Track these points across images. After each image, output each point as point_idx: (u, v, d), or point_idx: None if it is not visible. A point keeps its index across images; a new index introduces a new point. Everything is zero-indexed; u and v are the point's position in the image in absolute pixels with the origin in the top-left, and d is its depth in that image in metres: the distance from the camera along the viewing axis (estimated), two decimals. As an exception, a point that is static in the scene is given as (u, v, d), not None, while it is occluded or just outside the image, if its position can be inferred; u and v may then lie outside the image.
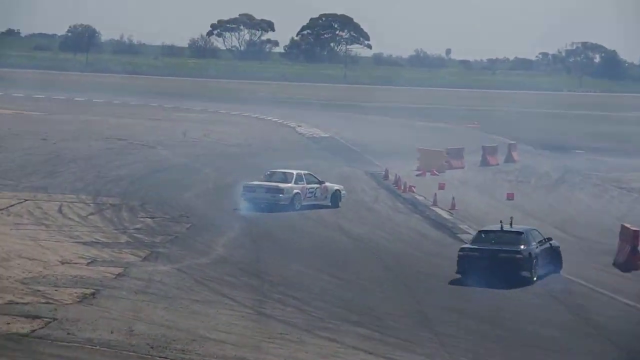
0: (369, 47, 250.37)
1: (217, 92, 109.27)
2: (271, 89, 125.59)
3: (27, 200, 28.19)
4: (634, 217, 31.48)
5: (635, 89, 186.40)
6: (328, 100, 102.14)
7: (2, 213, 25.85)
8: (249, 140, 52.67)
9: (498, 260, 20.83)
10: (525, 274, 21.05)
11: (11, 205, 26.97)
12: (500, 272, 20.75)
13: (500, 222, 22.29)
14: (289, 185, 29.84)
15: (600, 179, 41.66)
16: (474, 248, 21.33)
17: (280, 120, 68.36)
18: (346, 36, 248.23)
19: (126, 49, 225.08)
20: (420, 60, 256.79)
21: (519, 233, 21.77)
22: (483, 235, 21.98)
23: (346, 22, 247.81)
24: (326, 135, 57.80)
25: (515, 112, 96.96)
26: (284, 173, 30.68)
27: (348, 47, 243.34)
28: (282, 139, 54.64)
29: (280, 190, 29.42)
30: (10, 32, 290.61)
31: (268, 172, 30.90)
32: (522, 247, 21.18)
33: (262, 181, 30.08)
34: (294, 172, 30.80)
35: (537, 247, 21.65)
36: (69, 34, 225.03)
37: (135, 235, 24.09)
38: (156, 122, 61.43)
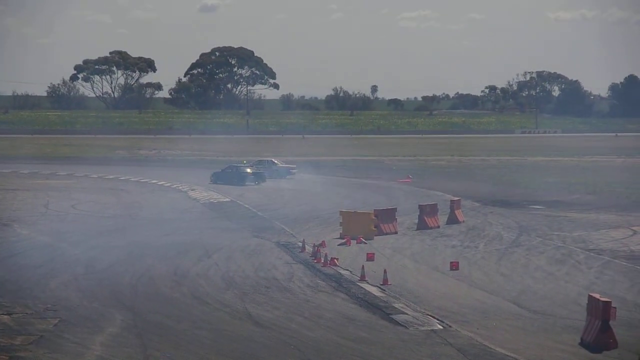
0: (276, 87, 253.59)
1: (86, 150, 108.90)
2: (155, 144, 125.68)
3: None
4: (604, 285, 32.67)
5: (602, 127, 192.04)
6: (226, 156, 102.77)
7: None
8: (130, 210, 52.84)
9: None
10: None
11: None
12: None
13: None
14: None
15: (563, 240, 42.90)
16: None
17: (168, 184, 68.67)
18: (247, 74, 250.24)
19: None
20: (340, 101, 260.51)
21: None
22: None
23: (246, 56, 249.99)
24: (226, 199, 58.34)
25: (456, 161, 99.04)
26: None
27: (249, 88, 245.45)
28: (172, 206, 54.91)
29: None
30: None
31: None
32: None
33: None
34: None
35: None
36: None
37: (-12, 337, 24.05)
38: (10, 192, 61.13)
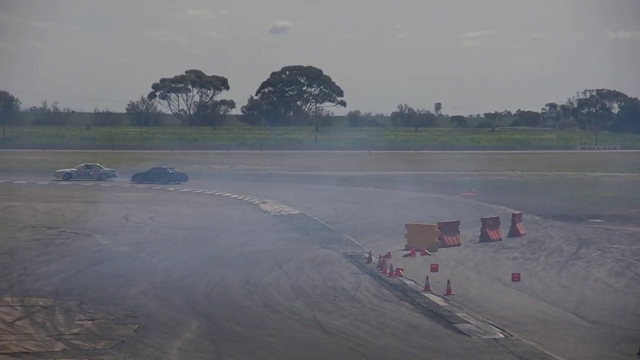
0: (343, 104, 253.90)
1: (163, 165, 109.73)
2: (228, 159, 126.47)
3: (-60, 305, 28.48)
4: (662, 295, 32.30)
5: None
6: (297, 170, 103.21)
7: None
8: (204, 221, 53.18)
9: None
10: None
11: None
12: None
13: None
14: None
15: (622, 253, 42.48)
16: None
17: (241, 197, 69.06)
18: (315, 92, 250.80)
19: (51, 119, 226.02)
20: (405, 118, 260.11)
21: None
22: None
23: (314, 75, 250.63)
24: (296, 212, 58.51)
25: (518, 176, 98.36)
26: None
27: (318, 105, 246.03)
28: (244, 218, 55.26)
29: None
30: None
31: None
32: None
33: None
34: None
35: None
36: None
37: (73, 341, 24.39)
38: (92, 204, 61.89)
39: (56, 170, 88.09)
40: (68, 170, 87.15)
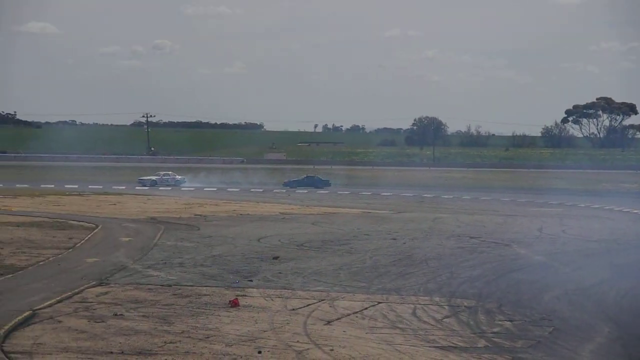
0: None
1: (575, 183, 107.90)
2: (637, 178, 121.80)
3: (380, 302, 29.54)
4: None
5: None
6: None
7: (356, 316, 27.31)
8: (614, 235, 51.42)
9: None
10: None
11: (365, 308, 28.42)
12: None
13: None
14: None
15: None
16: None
17: (649, 213, 66.23)
18: None
19: (473, 141, 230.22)
20: None
21: None
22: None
23: None
24: None
25: None
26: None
27: None
28: (653, 234, 52.89)
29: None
30: (355, 129, 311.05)
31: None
32: None
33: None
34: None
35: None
36: (414, 127, 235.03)
37: (494, 339, 24.49)
38: (509, 218, 61.90)
39: (141, 178, 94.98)
40: (153, 177, 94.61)
